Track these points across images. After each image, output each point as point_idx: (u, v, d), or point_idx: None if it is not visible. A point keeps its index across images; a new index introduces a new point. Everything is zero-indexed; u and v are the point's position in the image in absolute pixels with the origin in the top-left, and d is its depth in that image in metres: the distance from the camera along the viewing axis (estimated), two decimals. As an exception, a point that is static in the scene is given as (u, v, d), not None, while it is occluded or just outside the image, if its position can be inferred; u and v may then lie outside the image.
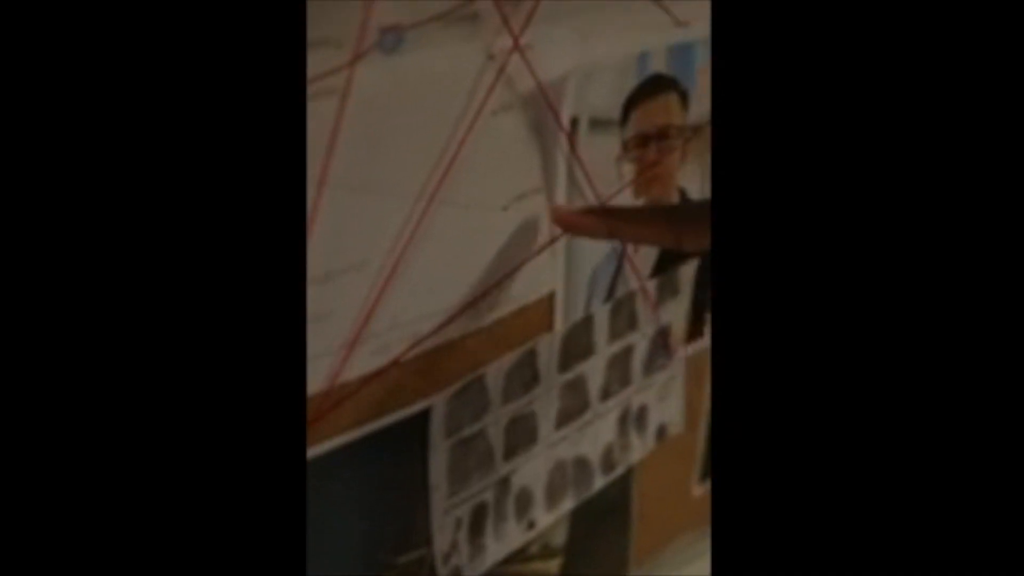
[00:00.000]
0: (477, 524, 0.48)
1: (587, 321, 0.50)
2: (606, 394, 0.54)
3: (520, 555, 0.53)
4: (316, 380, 0.37)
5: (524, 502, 0.51)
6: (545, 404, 0.50)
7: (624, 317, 0.52)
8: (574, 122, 0.43)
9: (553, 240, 0.45)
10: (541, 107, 0.41)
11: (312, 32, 0.30)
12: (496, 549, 0.50)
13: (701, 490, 0.71)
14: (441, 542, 0.46)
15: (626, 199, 0.48)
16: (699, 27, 0.46)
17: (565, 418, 0.52)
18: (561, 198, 0.44)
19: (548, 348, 0.48)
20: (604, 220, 0.42)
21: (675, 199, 0.51)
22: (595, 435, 0.55)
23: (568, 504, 0.55)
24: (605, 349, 0.52)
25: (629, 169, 0.47)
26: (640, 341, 0.55)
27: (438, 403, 0.43)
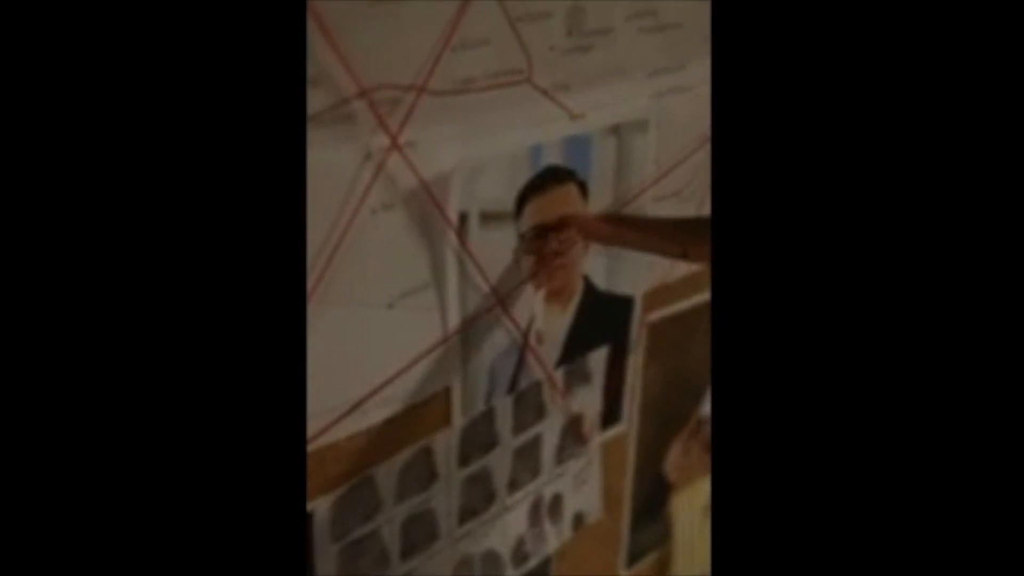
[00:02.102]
0: (373, 627, 0.47)
1: (488, 414, 0.49)
2: (514, 485, 0.53)
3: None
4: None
5: (427, 601, 0.50)
6: (445, 500, 0.48)
7: (530, 408, 0.51)
8: (463, 217, 0.42)
9: (447, 337, 0.44)
10: (426, 204, 0.40)
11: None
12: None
13: (628, 574, 0.69)
14: (332, 649, 0.45)
15: (527, 290, 0.47)
16: (595, 118, 0.46)
17: (469, 513, 0.50)
18: (453, 292, 0.43)
19: (445, 444, 0.47)
20: (619, 228, 0.44)
21: (580, 287, 0.50)
22: (504, 528, 0.53)
23: (477, 600, 0.53)
24: (510, 441, 0.51)
25: (528, 260, 0.46)
26: (549, 430, 0.53)
27: (320, 507, 0.41)
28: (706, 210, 0.55)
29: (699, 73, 0.50)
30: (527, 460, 0.53)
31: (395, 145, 0.38)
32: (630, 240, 0.44)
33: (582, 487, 0.59)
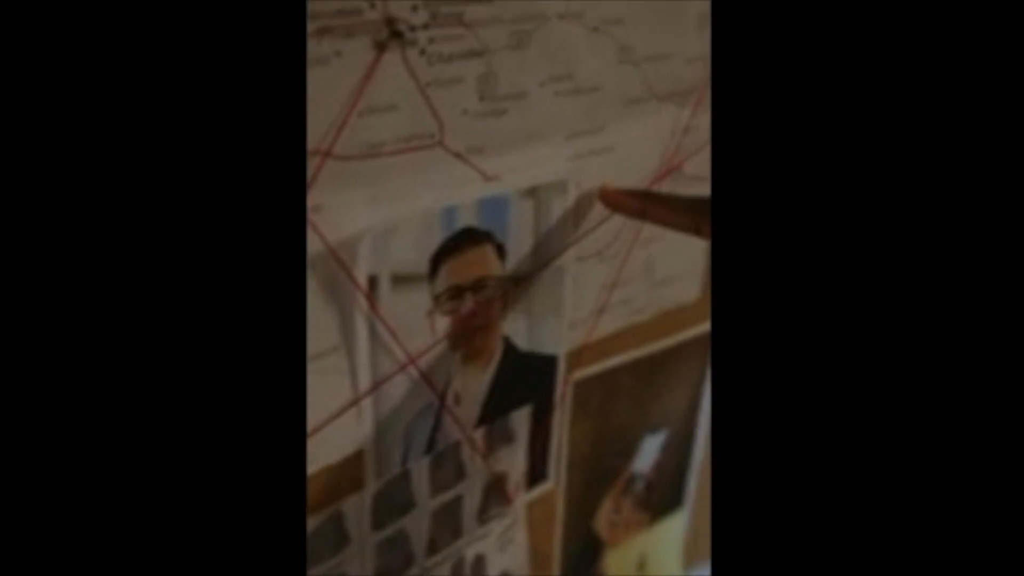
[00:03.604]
0: None
1: (403, 476, 0.48)
2: (433, 547, 0.52)
3: None
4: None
5: (340, 668, 0.48)
6: (359, 564, 0.48)
7: (449, 468, 0.51)
8: (373, 280, 0.42)
9: (357, 400, 0.43)
10: (333, 267, 0.40)
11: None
12: None
13: (560, 632, 0.68)
14: None
15: (442, 350, 0.47)
16: (510, 180, 0.46)
17: (385, 576, 0.50)
18: (364, 355, 0.43)
19: (358, 507, 0.46)
20: (641, 201, 0.47)
21: (499, 348, 0.50)
22: (424, 590, 0.52)
23: (396, 665, 0.52)
24: (428, 502, 0.50)
25: (443, 322, 0.46)
26: (469, 491, 0.53)
27: None
28: (628, 269, 0.55)
29: (619, 135, 0.50)
30: (447, 521, 0.52)
31: (299, 209, 0.38)
32: (654, 214, 0.46)
33: (507, 547, 0.58)
